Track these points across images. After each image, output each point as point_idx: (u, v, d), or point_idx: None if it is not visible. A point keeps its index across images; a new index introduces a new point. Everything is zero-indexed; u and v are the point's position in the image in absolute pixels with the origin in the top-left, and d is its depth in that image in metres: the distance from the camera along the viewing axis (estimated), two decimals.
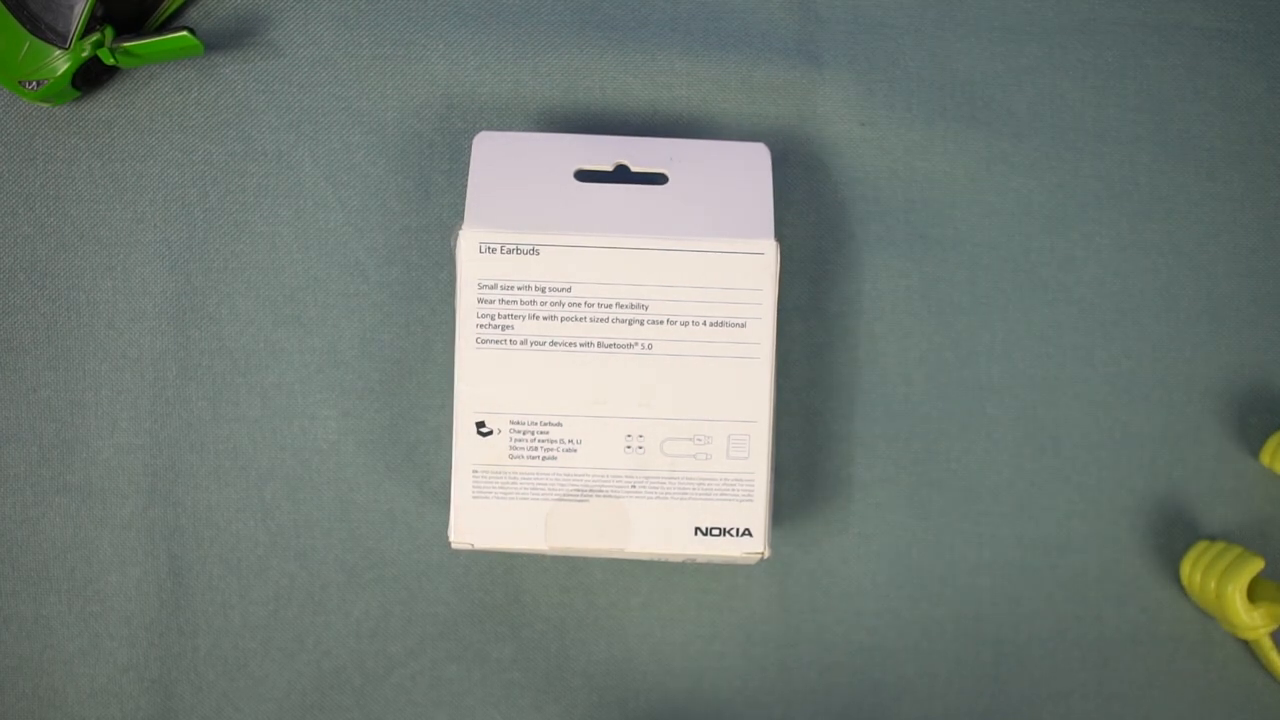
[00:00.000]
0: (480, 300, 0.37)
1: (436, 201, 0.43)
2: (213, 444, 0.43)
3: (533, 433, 0.37)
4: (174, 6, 0.43)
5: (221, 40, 0.44)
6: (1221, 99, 0.44)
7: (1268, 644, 0.41)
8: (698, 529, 0.38)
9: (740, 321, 0.38)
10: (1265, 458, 0.42)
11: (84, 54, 0.41)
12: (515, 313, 0.37)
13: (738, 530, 0.38)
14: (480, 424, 0.37)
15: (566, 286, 0.37)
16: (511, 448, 0.37)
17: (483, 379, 0.37)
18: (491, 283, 0.37)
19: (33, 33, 0.41)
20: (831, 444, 0.43)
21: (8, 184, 0.43)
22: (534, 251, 0.37)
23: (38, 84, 0.41)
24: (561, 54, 0.44)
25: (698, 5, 0.44)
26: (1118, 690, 0.43)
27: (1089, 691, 0.43)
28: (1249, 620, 0.40)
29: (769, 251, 0.38)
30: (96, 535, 0.42)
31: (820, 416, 0.43)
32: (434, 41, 0.44)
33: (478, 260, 0.37)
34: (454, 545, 0.38)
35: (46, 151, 0.43)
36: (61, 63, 0.41)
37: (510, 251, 0.37)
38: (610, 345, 0.37)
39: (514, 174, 0.38)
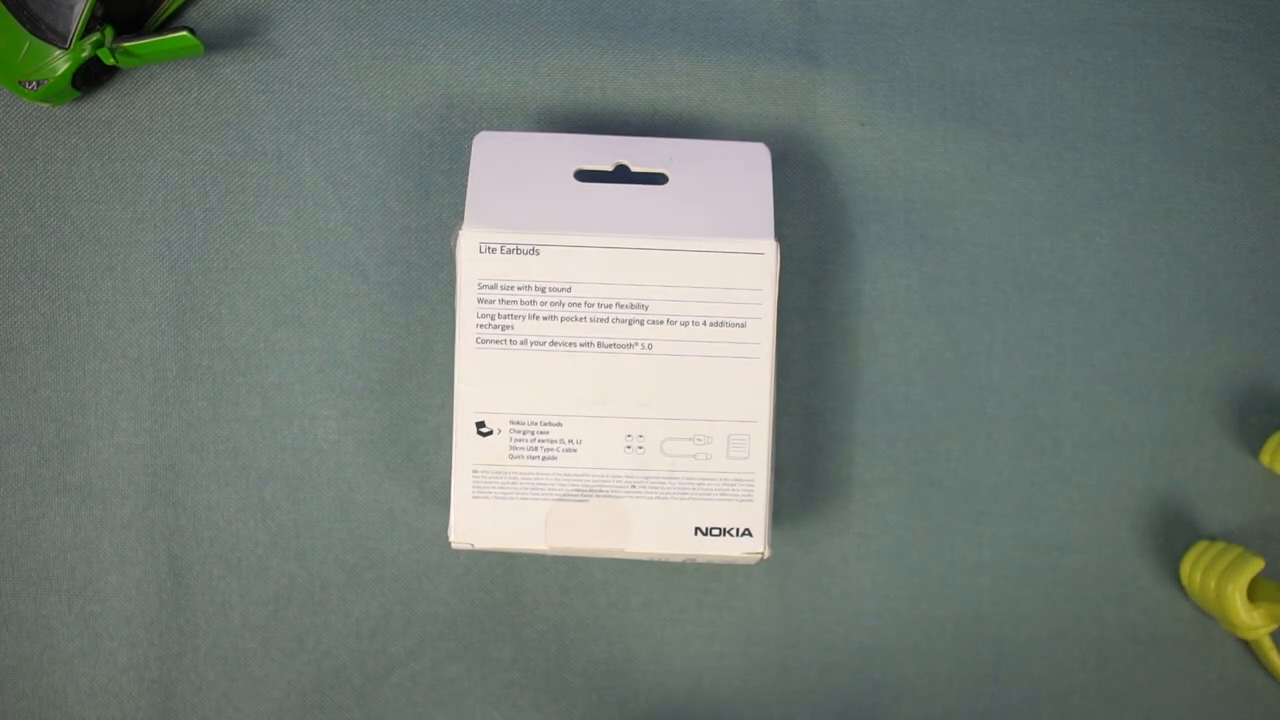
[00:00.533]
0: (480, 300, 0.37)
1: (436, 201, 0.43)
2: (213, 444, 0.43)
3: (533, 433, 0.37)
4: (174, 6, 0.43)
5: (221, 40, 0.44)
6: (1221, 99, 0.44)
7: (1268, 644, 0.41)
8: (698, 529, 0.38)
9: (740, 321, 0.38)
10: (1265, 458, 0.42)
11: (84, 54, 0.41)
12: (515, 313, 0.37)
13: (738, 530, 0.38)
14: (480, 424, 0.37)
15: (566, 286, 0.37)
16: (511, 448, 0.37)
17: (483, 379, 0.37)
18: (491, 283, 0.37)
19: (33, 33, 0.41)
20: (831, 444, 0.43)
21: (8, 184, 0.43)
22: (534, 251, 0.37)
23: (38, 84, 0.41)
24: (561, 54, 0.44)
25: (698, 5, 0.44)
26: (1118, 690, 0.43)
27: (1089, 691, 0.43)
28: (1249, 620, 0.40)
29: (769, 251, 0.38)
30: (96, 535, 0.42)
31: (820, 416, 0.43)
32: (434, 41, 0.44)
33: (478, 260, 0.37)
34: (454, 545, 0.38)
35: (46, 151, 0.43)
36: (61, 63, 0.41)
37: (510, 251, 0.37)
38: (610, 345, 0.37)
39: (514, 174, 0.38)
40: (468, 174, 0.43)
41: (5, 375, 0.43)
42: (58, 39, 0.41)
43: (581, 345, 0.37)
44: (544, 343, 0.37)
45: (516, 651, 0.43)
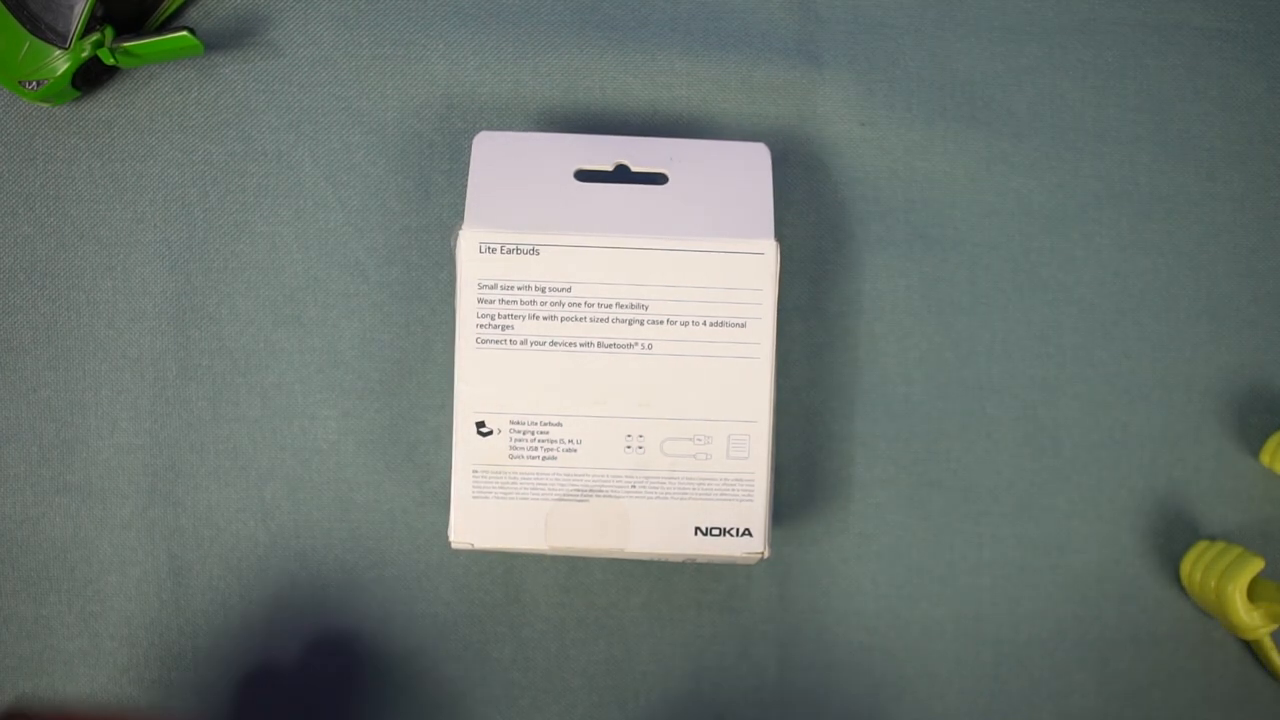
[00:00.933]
0: (480, 300, 0.37)
1: (436, 201, 0.43)
2: (213, 444, 0.43)
3: (533, 433, 0.37)
4: (174, 6, 0.43)
5: (221, 40, 0.44)
6: (1221, 99, 0.44)
7: (1268, 644, 0.41)
8: (698, 529, 0.38)
9: (740, 321, 0.38)
10: (1265, 458, 0.42)
11: (84, 54, 0.41)
12: (515, 313, 0.37)
13: (738, 530, 0.38)
14: (480, 424, 0.37)
15: (567, 286, 0.37)
16: (511, 448, 0.37)
17: (483, 379, 0.37)
18: (491, 283, 0.37)
19: (33, 33, 0.41)
20: (831, 444, 0.43)
21: (8, 184, 0.43)
22: (534, 251, 0.37)
23: (38, 84, 0.41)
24: (561, 54, 0.44)
25: (698, 5, 0.44)
26: (1118, 690, 0.43)
27: (1089, 691, 0.43)
28: (1249, 620, 0.40)
29: (769, 252, 0.38)
30: (96, 535, 0.42)
31: (820, 416, 0.43)
32: (434, 41, 0.44)
33: (478, 260, 0.37)
34: (454, 545, 0.38)
35: (46, 151, 0.43)
36: (61, 63, 0.41)
37: (510, 251, 0.37)
38: (610, 345, 0.37)
39: (514, 174, 0.38)
40: (468, 174, 0.43)
41: (5, 375, 0.43)
42: (58, 39, 0.41)
43: (581, 345, 0.37)
44: (544, 343, 0.37)
45: (516, 651, 0.43)
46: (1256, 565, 0.40)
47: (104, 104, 0.43)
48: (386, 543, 0.43)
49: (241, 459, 0.43)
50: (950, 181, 0.44)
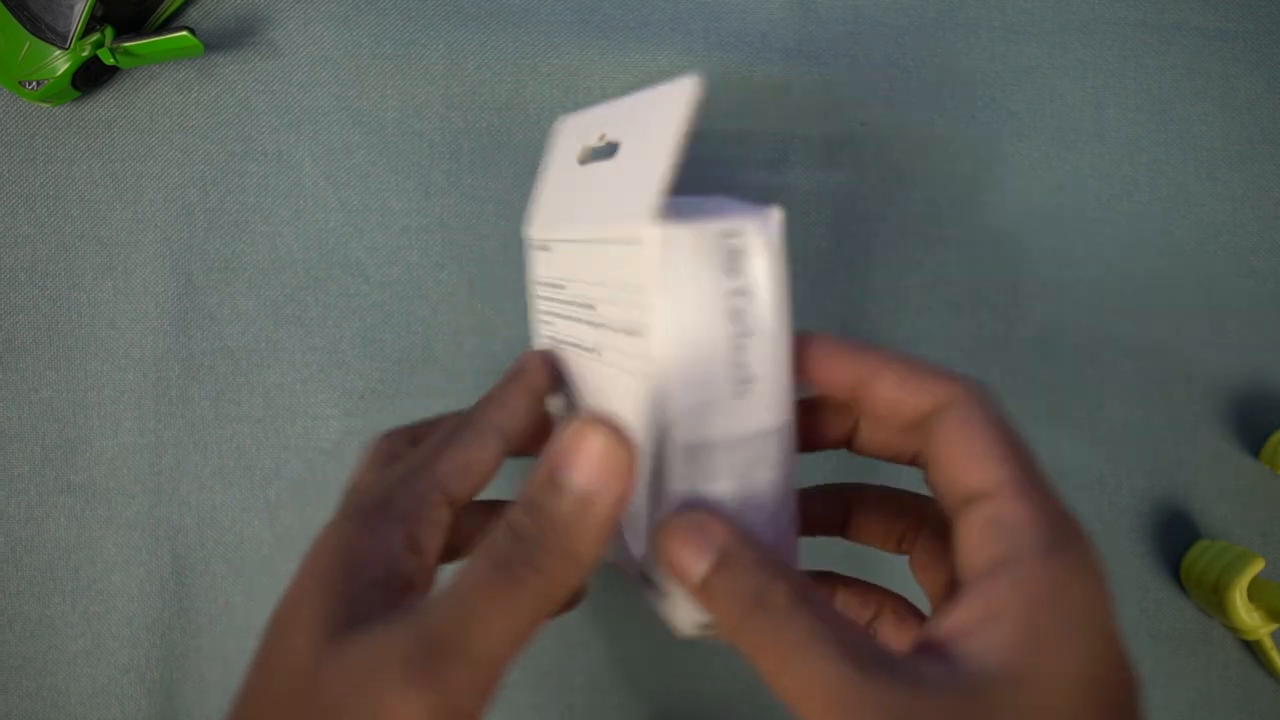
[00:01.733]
0: (537, 296, 0.34)
1: (436, 201, 0.43)
2: (216, 444, 0.43)
3: None
4: (174, 6, 0.43)
5: (221, 40, 0.44)
6: (1221, 99, 0.44)
7: (1268, 644, 0.41)
8: None
9: (633, 329, 0.27)
10: (1265, 458, 0.42)
11: (84, 54, 0.41)
12: (554, 310, 0.33)
13: None
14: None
15: (562, 284, 0.32)
16: None
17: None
18: (536, 279, 0.34)
19: (33, 33, 0.41)
20: None
21: (8, 184, 0.43)
22: (545, 248, 0.33)
23: (38, 84, 0.41)
24: (561, 54, 0.44)
25: (698, 5, 0.44)
26: None
27: None
28: (1249, 620, 0.40)
29: (648, 241, 0.25)
30: (100, 535, 0.42)
31: None
32: (434, 41, 0.44)
33: (531, 257, 0.34)
34: None
35: (46, 151, 0.43)
36: (61, 63, 0.41)
37: (536, 249, 0.34)
38: (589, 350, 0.30)
39: (552, 160, 0.34)
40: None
41: (7, 375, 0.43)
42: (58, 39, 0.41)
43: (575, 347, 0.31)
44: (562, 344, 0.32)
45: None
46: (1256, 565, 0.40)
47: (104, 104, 0.43)
48: None
49: (245, 459, 0.43)
50: (950, 181, 0.44)
